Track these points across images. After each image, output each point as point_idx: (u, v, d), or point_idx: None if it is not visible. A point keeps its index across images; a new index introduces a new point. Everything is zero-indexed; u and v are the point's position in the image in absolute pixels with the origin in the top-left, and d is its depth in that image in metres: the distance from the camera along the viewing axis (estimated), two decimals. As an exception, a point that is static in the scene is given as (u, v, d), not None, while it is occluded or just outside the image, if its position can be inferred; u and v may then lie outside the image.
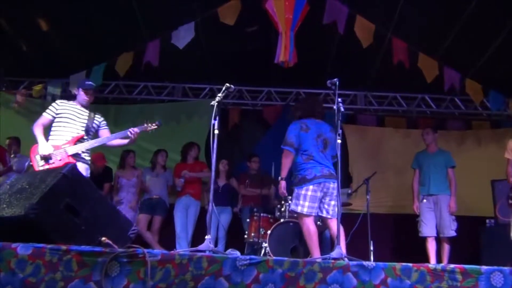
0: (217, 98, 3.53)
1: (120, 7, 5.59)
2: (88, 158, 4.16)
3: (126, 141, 4.22)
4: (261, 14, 5.21)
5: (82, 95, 4.25)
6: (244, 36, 5.94)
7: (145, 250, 2.30)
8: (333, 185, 4.04)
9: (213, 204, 3.42)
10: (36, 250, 2.26)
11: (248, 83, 7.28)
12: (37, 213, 2.40)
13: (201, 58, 6.39)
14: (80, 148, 4.02)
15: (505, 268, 2.35)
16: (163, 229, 6.13)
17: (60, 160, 3.90)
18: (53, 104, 4.21)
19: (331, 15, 5.22)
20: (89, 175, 4.16)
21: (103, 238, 2.55)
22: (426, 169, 5.45)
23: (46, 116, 4.14)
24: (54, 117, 4.12)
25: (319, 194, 4.01)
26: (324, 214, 4.08)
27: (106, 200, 3.11)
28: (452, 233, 5.17)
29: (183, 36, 5.42)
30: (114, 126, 7.16)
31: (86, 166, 4.10)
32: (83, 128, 4.12)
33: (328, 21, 5.19)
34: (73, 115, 4.14)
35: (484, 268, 2.34)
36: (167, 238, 6.05)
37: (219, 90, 3.63)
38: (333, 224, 3.95)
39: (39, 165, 3.91)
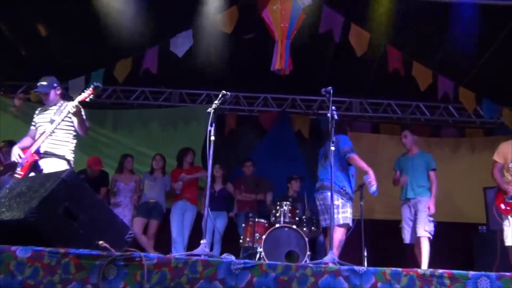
0: (214, 105, 3.60)
1: (119, 14, 5.65)
2: (64, 153, 4.01)
3: (76, 119, 4.00)
4: (258, 22, 5.30)
5: (42, 97, 4.22)
6: (241, 43, 6.02)
7: (142, 254, 2.35)
8: (322, 196, 4.59)
9: (209, 209, 3.47)
10: (35, 253, 2.31)
11: (245, 89, 7.36)
12: (36, 217, 2.44)
13: (198, 64, 6.46)
14: (39, 142, 3.92)
15: (492, 273, 2.41)
16: (159, 233, 6.17)
17: (27, 161, 3.87)
18: (34, 115, 4.22)
19: (327, 24, 5.31)
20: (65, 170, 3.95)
21: (101, 242, 2.59)
22: (406, 173, 5.28)
23: (31, 128, 4.20)
24: (36, 127, 4.14)
25: (320, 207, 4.67)
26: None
27: (103, 205, 3.16)
28: (425, 234, 4.89)
29: (181, 43, 5.49)
30: (112, 131, 7.27)
31: (59, 162, 3.95)
32: (46, 124, 4.03)
33: (323, 30, 5.28)
34: (40, 118, 4.13)
35: (471, 273, 2.40)
36: (163, 243, 6.09)
37: (216, 96, 3.70)
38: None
39: (17, 172, 3.89)
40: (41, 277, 2.27)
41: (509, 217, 4.55)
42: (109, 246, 2.53)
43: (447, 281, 2.37)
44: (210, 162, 3.49)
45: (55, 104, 4.16)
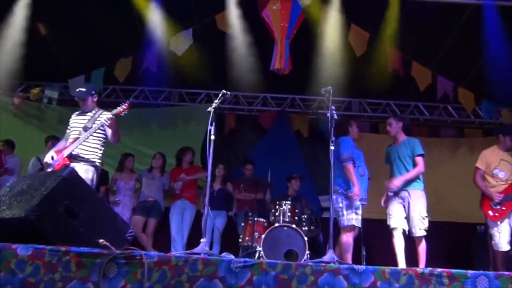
0: (214, 105, 3.61)
1: (119, 13, 5.66)
2: (94, 159, 4.18)
3: (110, 131, 4.22)
4: (258, 21, 5.31)
5: (79, 102, 4.40)
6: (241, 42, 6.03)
7: (142, 252, 2.36)
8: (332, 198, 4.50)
9: (209, 208, 3.48)
10: (36, 251, 2.32)
11: (244, 88, 7.37)
12: (37, 215, 2.45)
13: (198, 63, 6.47)
14: (73, 147, 4.10)
15: (490, 272, 2.43)
16: (158, 232, 6.17)
17: (58, 164, 4.05)
18: (70, 119, 4.42)
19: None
20: (92, 178, 4.13)
21: (101, 240, 2.60)
22: (393, 163, 4.88)
23: (67, 131, 4.40)
24: (70, 131, 4.33)
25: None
26: None
27: (104, 203, 3.17)
28: (421, 233, 4.52)
29: (181, 43, 5.50)
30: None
31: (88, 167, 4.11)
32: (79, 130, 4.21)
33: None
34: (76, 122, 4.32)
35: (470, 272, 2.42)
36: (162, 241, 6.09)
37: (216, 95, 3.72)
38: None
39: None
40: (42, 275, 2.28)
41: (498, 223, 4.60)
42: (110, 244, 2.54)
43: (445, 280, 2.39)
44: (210, 161, 3.50)
45: (90, 111, 4.36)
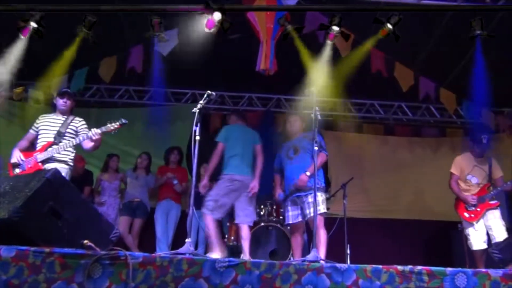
0: (199, 105, 3.63)
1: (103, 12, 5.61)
2: (66, 159, 4.19)
3: (92, 143, 4.20)
4: (243, 22, 5.32)
5: (58, 101, 4.37)
6: (226, 42, 6.04)
7: (127, 253, 2.37)
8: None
9: (194, 208, 3.50)
10: (20, 252, 2.32)
11: (230, 88, 7.38)
12: (20, 216, 2.45)
13: (183, 63, 6.46)
14: (48, 154, 4.10)
15: (468, 270, 2.51)
16: (144, 232, 6.16)
17: (30, 167, 4.03)
18: (36, 120, 4.37)
19: (311, 24, 5.36)
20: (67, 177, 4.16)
21: (85, 241, 2.60)
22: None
23: (30, 132, 4.35)
24: (37, 132, 4.28)
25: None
26: None
27: (88, 204, 3.17)
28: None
29: (167, 43, 5.48)
30: (96, 129, 7.20)
31: (62, 166, 4.08)
32: (53, 135, 4.20)
33: (308, 30, 5.33)
34: (47, 125, 4.27)
35: (449, 269, 2.49)
36: (148, 242, 6.09)
37: (201, 95, 3.73)
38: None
39: (14, 172, 4.10)
40: (26, 277, 2.28)
41: (474, 223, 4.79)
42: (94, 245, 2.54)
43: (425, 278, 2.45)
44: (195, 161, 3.52)
45: (63, 115, 4.32)
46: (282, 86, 7.03)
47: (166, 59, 5.73)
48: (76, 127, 4.35)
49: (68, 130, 4.27)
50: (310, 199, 4.20)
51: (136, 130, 7.28)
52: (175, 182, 6.09)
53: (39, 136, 4.25)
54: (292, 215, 4.47)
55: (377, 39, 5.23)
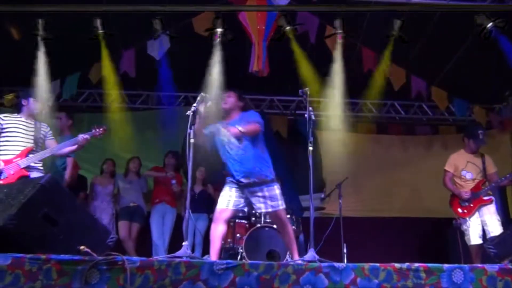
0: (193, 108, 3.62)
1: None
2: (41, 168, 4.17)
3: (74, 147, 4.22)
4: (235, 24, 5.33)
5: (32, 104, 4.23)
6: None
7: (124, 257, 2.36)
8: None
9: (190, 211, 3.49)
10: (16, 260, 2.29)
11: (223, 90, 7.36)
12: (16, 224, 2.42)
13: (175, 66, 6.44)
14: (32, 160, 4.04)
15: (465, 265, 2.52)
16: (139, 236, 6.13)
17: (13, 173, 3.92)
18: None
19: (303, 24, 5.38)
20: None
21: (82, 247, 2.59)
22: None
23: None
24: (7, 135, 4.09)
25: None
26: None
27: (84, 209, 3.15)
28: None
29: (158, 46, 5.47)
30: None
31: (42, 175, 4.03)
32: (32, 140, 4.13)
33: (299, 31, 5.35)
34: (20, 128, 4.12)
35: (446, 266, 2.51)
36: (144, 246, 6.06)
37: (194, 98, 3.72)
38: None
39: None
40: (22, 284, 2.25)
41: (467, 218, 4.88)
42: (91, 250, 2.52)
43: (423, 274, 2.47)
44: (190, 164, 3.52)
45: (32, 119, 4.21)
46: (275, 87, 7.04)
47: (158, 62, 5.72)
48: (45, 134, 4.27)
49: (40, 136, 4.20)
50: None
51: (128, 134, 7.25)
52: (173, 181, 6.06)
53: (9, 139, 4.05)
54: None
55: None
